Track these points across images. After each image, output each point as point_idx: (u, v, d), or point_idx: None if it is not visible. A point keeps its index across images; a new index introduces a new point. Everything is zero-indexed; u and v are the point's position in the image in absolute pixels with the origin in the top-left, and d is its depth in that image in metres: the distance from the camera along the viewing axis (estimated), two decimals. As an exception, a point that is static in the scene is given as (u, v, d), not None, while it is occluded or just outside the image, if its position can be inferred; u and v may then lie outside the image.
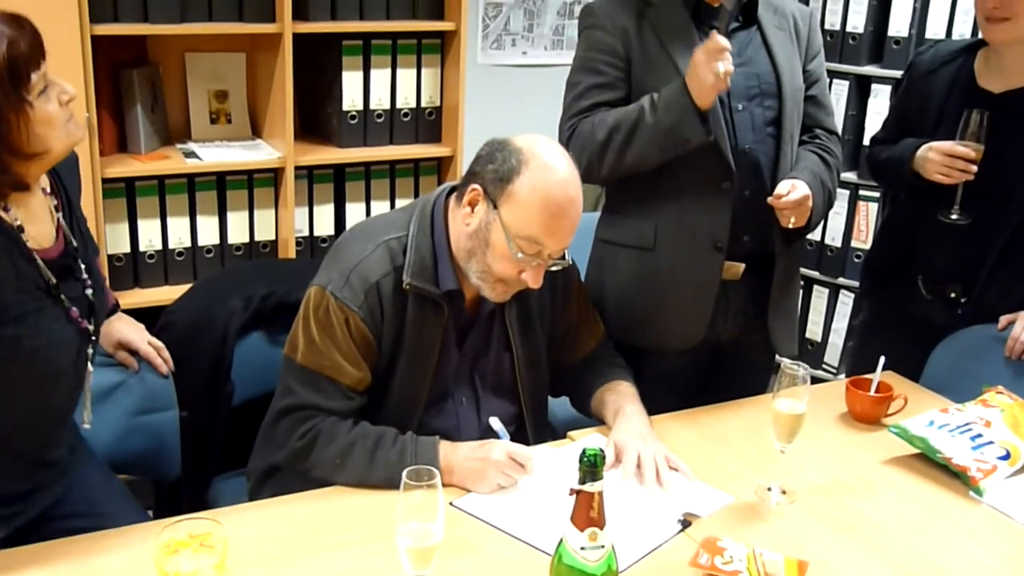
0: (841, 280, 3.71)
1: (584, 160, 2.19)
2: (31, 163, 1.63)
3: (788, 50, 2.29)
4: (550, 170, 1.81)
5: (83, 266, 1.80)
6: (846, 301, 3.72)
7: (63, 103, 1.65)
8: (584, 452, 1.33)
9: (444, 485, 1.65)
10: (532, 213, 1.79)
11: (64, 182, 1.84)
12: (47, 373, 1.72)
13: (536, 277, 1.85)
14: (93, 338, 1.80)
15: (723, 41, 2.02)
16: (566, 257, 1.89)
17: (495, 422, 1.93)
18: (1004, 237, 2.35)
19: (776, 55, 2.26)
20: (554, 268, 1.89)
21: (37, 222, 1.71)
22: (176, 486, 2.27)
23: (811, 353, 3.81)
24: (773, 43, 2.26)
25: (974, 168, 2.29)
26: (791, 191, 2.13)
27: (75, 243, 1.79)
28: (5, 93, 1.54)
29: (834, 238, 3.69)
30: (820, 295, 3.80)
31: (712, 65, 2.02)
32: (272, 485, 1.97)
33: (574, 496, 1.36)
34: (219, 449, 2.32)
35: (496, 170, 1.83)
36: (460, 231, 1.89)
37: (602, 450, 1.33)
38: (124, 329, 2.10)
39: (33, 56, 1.58)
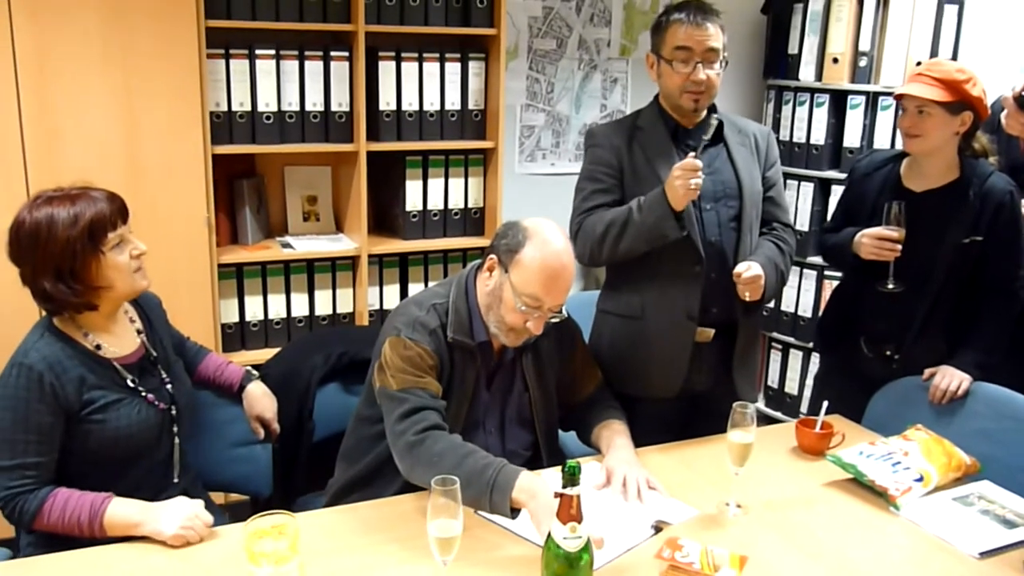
0: (811, 344, 3.74)
1: (588, 249, 2.32)
2: (98, 293, 1.87)
3: (748, 161, 2.38)
4: (548, 244, 1.94)
5: (162, 369, 2.01)
6: (816, 361, 3.73)
7: (134, 256, 1.90)
8: (566, 464, 1.47)
9: (514, 508, 1.76)
10: (533, 276, 1.92)
11: (149, 316, 2.07)
12: (132, 446, 1.91)
13: (538, 325, 1.96)
14: (176, 418, 2.00)
15: (697, 162, 2.14)
16: (563, 312, 2.01)
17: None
18: (926, 306, 2.43)
19: (738, 165, 2.35)
20: (554, 320, 2.00)
21: (118, 339, 1.95)
22: (268, 503, 2.36)
23: (789, 404, 3.85)
24: (736, 156, 2.36)
25: (899, 247, 2.36)
26: (747, 271, 2.23)
27: (155, 353, 2.01)
28: (83, 244, 1.81)
29: (805, 310, 3.76)
30: (795, 356, 3.85)
31: (686, 181, 2.14)
32: (344, 502, 2.06)
33: (559, 498, 1.51)
34: (303, 474, 2.43)
35: (507, 244, 1.96)
36: (482, 291, 2.02)
37: (579, 463, 1.48)
38: (264, 405, 2.25)
39: (112, 220, 1.85)
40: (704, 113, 2.38)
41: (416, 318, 2.01)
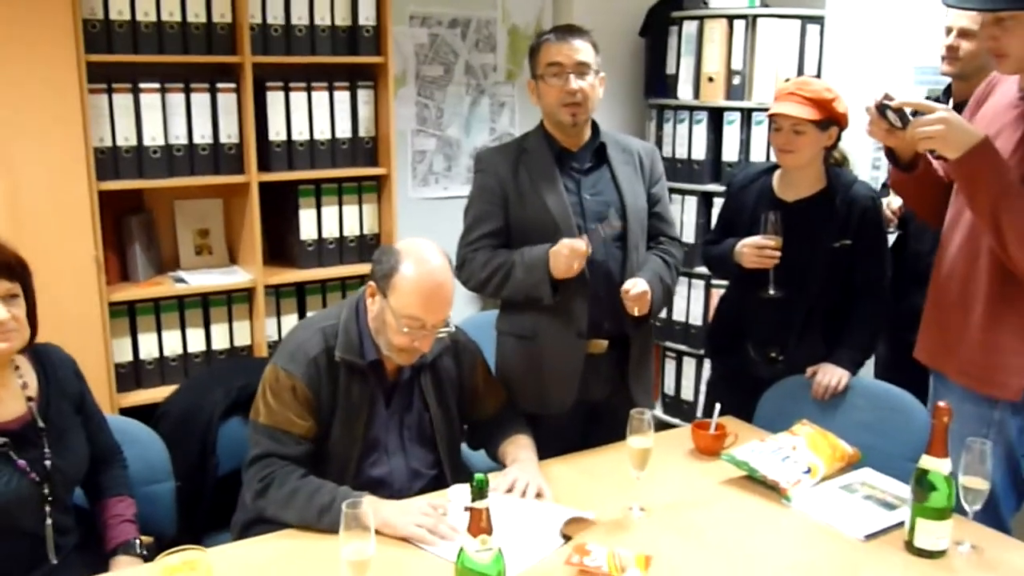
0: (703, 351, 3.83)
1: (472, 284, 2.44)
2: None
3: (632, 180, 2.47)
4: (422, 263, 2.00)
5: (47, 440, 1.90)
6: (708, 367, 3.84)
7: None
8: (473, 478, 1.52)
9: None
10: (410, 297, 1.98)
11: (49, 376, 1.96)
12: (2, 515, 1.81)
13: (425, 343, 2.03)
14: (49, 496, 1.89)
15: (586, 248, 2.25)
16: (451, 326, 2.07)
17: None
18: (805, 309, 2.57)
19: (621, 186, 2.44)
20: (441, 334, 2.06)
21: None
22: (174, 542, 2.34)
23: (685, 410, 3.96)
24: (619, 176, 2.45)
25: (777, 254, 2.48)
26: (633, 288, 2.32)
27: (42, 424, 1.91)
28: None
29: (696, 318, 3.88)
30: (689, 363, 3.96)
31: (571, 262, 2.25)
32: (250, 535, 2.05)
33: (468, 512, 1.55)
34: (208, 511, 2.40)
35: (382, 269, 2.02)
36: (370, 315, 2.07)
37: (486, 476, 1.52)
38: None
39: None
40: (588, 134, 2.48)
41: (299, 345, 2.06)
